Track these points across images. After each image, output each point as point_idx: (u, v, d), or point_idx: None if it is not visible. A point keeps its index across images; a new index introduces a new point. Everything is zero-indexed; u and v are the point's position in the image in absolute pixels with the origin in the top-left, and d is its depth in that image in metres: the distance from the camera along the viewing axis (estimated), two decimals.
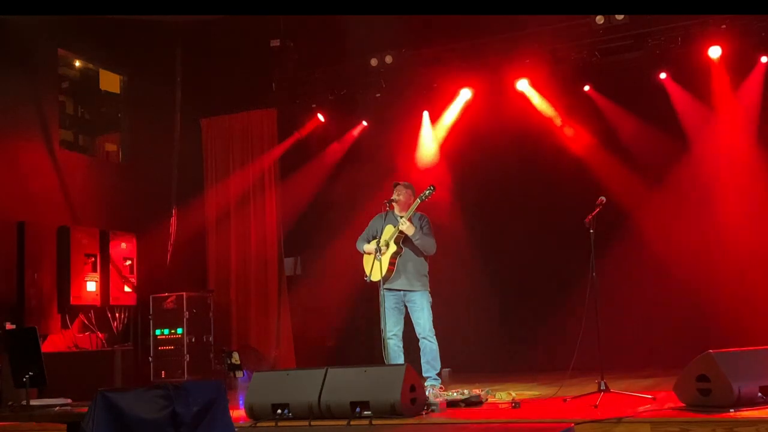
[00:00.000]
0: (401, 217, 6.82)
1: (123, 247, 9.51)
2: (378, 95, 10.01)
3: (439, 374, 6.85)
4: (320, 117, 10.40)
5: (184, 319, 9.45)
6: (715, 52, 8.59)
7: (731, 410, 4.69)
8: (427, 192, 6.77)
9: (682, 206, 8.97)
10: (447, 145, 9.99)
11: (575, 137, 9.46)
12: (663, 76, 9.04)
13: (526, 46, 9.24)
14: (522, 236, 9.71)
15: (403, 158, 10.08)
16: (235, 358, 9.52)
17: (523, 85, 9.52)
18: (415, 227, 6.79)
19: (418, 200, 6.81)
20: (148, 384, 8.04)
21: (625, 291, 9.02)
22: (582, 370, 7.18)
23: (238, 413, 5.95)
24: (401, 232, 6.81)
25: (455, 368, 8.97)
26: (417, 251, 6.88)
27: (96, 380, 8.17)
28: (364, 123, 10.42)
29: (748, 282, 8.69)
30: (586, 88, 9.41)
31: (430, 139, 10.18)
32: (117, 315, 9.44)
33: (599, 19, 8.65)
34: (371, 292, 7.22)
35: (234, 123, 10.94)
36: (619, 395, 5.71)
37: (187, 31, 10.15)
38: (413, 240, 6.78)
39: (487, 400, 6.07)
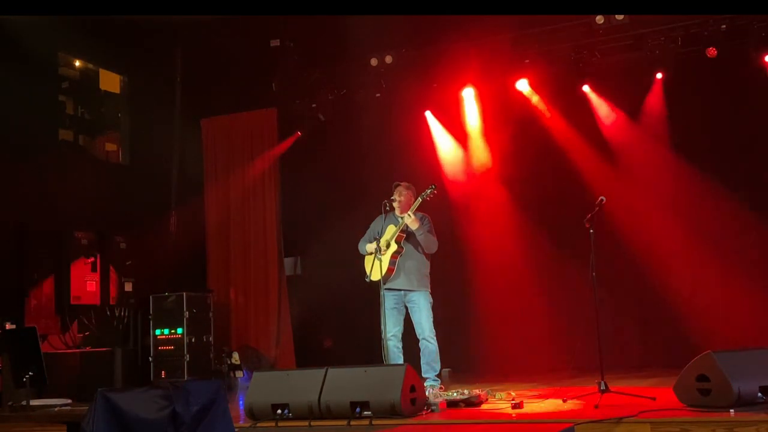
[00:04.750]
0: (401, 218, 6.82)
1: (123, 247, 9.51)
2: (378, 95, 10.00)
3: (439, 375, 6.85)
4: (320, 117, 10.39)
5: (184, 319, 9.45)
6: (709, 53, 8.58)
7: (731, 410, 4.70)
8: (428, 191, 6.77)
9: (682, 206, 8.97)
10: (447, 145, 9.99)
11: (575, 137, 9.45)
12: (659, 76, 9.02)
13: (526, 46, 9.25)
14: (522, 236, 9.70)
15: (404, 158, 10.07)
16: (235, 358, 9.53)
17: (523, 85, 9.51)
18: (419, 222, 6.80)
19: (419, 199, 6.82)
20: (148, 384, 8.07)
21: (625, 291, 9.03)
22: (582, 370, 7.19)
23: (237, 413, 5.96)
24: (402, 231, 6.81)
25: (455, 368, 8.98)
26: (418, 250, 6.88)
27: (96, 380, 8.18)
28: (364, 123, 10.40)
29: (748, 281, 8.69)
30: (585, 87, 9.39)
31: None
32: (117, 315, 9.43)
33: (599, 19, 8.65)
34: (371, 292, 7.22)
35: (234, 123, 10.93)
36: (619, 395, 5.70)
37: (187, 31, 10.15)
38: (417, 235, 6.78)
39: (487, 400, 6.07)
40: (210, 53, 10.37)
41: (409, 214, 6.75)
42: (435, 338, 6.84)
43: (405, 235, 6.87)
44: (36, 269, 8.57)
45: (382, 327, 6.76)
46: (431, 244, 6.88)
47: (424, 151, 10.09)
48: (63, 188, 9.20)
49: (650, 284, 9.13)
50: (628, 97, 9.25)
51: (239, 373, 9.51)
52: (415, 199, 6.87)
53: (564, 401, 5.82)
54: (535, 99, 9.54)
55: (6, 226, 8.41)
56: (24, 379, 4.98)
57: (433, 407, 5.74)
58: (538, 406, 5.83)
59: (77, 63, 10.20)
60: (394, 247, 6.83)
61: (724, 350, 5.05)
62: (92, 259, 9.12)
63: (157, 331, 9.53)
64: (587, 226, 6.00)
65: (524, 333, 9.48)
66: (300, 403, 5.57)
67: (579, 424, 4.76)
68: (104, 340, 9.17)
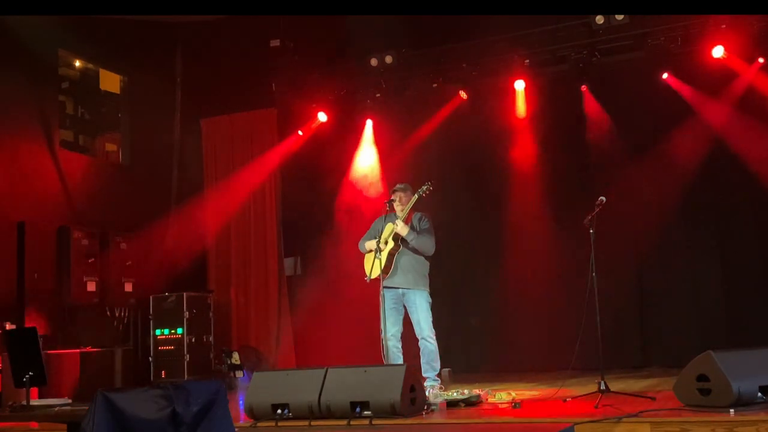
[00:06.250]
0: (399, 216, 6.82)
1: (123, 247, 9.51)
2: (378, 95, 10.00)
3: (438, 374, 6.85)
4: (320, 117, 10.39)
5: (184, 319, 9.45)
6: (715, 52, 8.59)
7: (731, 410, 4.70)
8: (424, 187, 6.77)
9: (681, 205, 8.96)
10: (447, 145, 9.99)
11: (575, 137, 9.44)
12: (665, 76, 9.01)
13: (526, 46, 9.25)
14: (522, 236, 9.70)
15: (404, 158, 10.08)
16: (235, 358, 9.54)
17: (522, 86, 9.51)
18: (410, 228, 6.78)
19: (416, 196, 6.82)
20: (148, 384, 8.07)
21: (625, 291, 9.02)
22: (582, 370, 7.18)
23: (237, 413, 5.96)
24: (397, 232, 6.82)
25: (455, 368, 8.97)
26: (415, 250, 6.88)
27: (96, 380, 8.19)
28: (369, 122, 10.39)
29: (748, 281, 8.69)
30: (585, 88, 9.39)
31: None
32: (117, 315, 9.43)
33: (599, 19, 8.64)
34: (371, 292, 7.22)
35: (234, 123, 10.93)
36: (619, 395, 5.71)
37: (187, 31, 10.16)
38: (408, 240, 6.78)
39: (487, 400, 6.07)
40: (210, 53, 10.38)
41: (398, 222, 6.75)
42: (434, 338, 6.84)
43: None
44: (36, 269, 8.56)
45: (382, 327, 6.76)
46: (425, 247, 6.86)
47: (424, 151, 10.07)
48: (63, 188, 9.20)
49: (650, 284, 9.14)
50: (628, 97, 9.24)
51: (239, 373, 9.51)
52: (412, 198, 6.87)
53: (564, 401, 5.82)
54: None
55: (6, 226, 8.41)
56: (24, 379, 4.98)
57: (433, 407, 5.74)
58: (538, 406, 5.83)
59: (77, 63, 10.20)
60: (391, 244, 6.83)
61: (724, 350, 5.05)
62: (92, 259, 9.12)
63: (157, 331, 9.53)
64: (587, 226, 6.01)
65: (524, 333, 9.48)
66: (300, 403, 5.57)
67: (579, 424, 4.76)
68: (104, 340, 9.17)
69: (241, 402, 6.40)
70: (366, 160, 10.36)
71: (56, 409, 4.81)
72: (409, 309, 6.91)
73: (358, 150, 10.42)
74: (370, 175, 10.22)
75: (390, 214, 6.98)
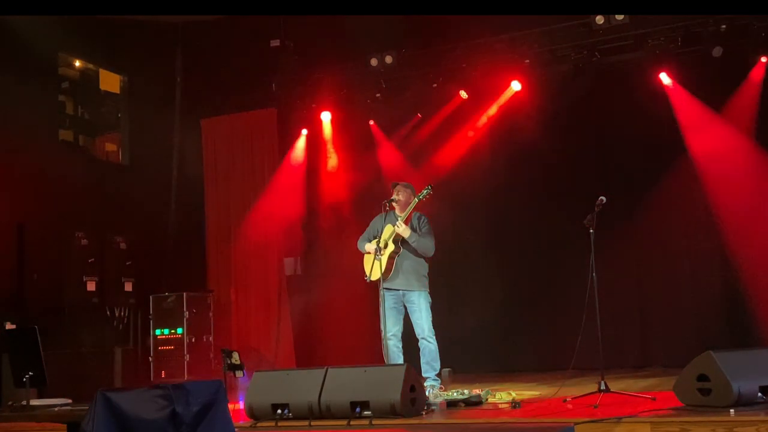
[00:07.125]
0: (399, 217, 6.82)
1: (123, 247, 9.51)
2: (378, 95, 10.00)
3: (438, 374, 6.86)
4: (320, 117, 10.39)
5: (184, 319, 9.45)
6: (715, 52, 8.59)
7: (731, 410, 4.70)
8: (425, 192, 6.76)
9: (681, 206, 8.96)
10: (447, 145, 9.99)
11: (575, 137, 9.44)
12: (663, 76, 9.01)
13: (526, 46, 9.25)
14: (522, 236, 9.71)
15: (403, 158, 10.08)
16: (235, 358, 9.50)
17: (520, 86, 9.50)
18: (412, 230, 6.78)
19: (416, 200, 6.81)
20: (148, 384, 8.07)
21: (625, 291, 9.02)
22: (582, 370, 7.18)
23: (237, 413, 5.96)
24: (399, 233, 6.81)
25: (455, 368, 8.97)
26: (416, 251, 6.88)
27: (96, 380, 8.19)
28: (371, 122, 10.39)
29: (749, 282, 8.69)
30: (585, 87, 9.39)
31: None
32: (117, 315, 9.43)
33: (599, 19, 8.65)
34: (371, 292, 7.22)
35: (234, 123, 10.93)
36: (619, 395, 5.71)
37: (187, 31, 10.16)
38: (410, 242, 6.79)
39: (487, 400, 6.07)
40: (210, 53, 10.37)
41: (399, 224, 6.75)
42: (434, 338, 6.84)
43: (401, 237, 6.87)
44: (36, 269, 8.56)
45: (382, 327, 6.76)
46: (426, 248, 6.87)
47: (425, 151, 10.08)
48: (63, 188, 9.20)
49: (650, 284, 9.14)
50: (627, 97, 9.23)
51: (239, 373, 9.49)
52: (413, 199, 6.86)
53: (564, 401, 5.82)
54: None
55: (6, 226, 8.41)
56: (24, 379, 4.98)
57: (433, 407, 5.74)
58: (538, 406, 5.83)
59: (77, 63, 10.20)
60: (391, 247, 6.83)
61: (724, 350, 5.05)
62: (92, 259, 9.12)
63: (157, 331, 9.53)
64: (587, 226, 6.00)
65: (524, 333, 9.48)
66: (300, 403, 5.57)
67: (579, 424, 4.76)
68: (104, 340, 9.17)
69: (241, 402, 6.40)
70: (365, 160, 10.35)
71: (56, 409, 4.80)
72: (409, 309, 6.92)
73: (357, 150, 10.40)
74: (370, 175, 10.19)
75: (389, 213, 6.97)
